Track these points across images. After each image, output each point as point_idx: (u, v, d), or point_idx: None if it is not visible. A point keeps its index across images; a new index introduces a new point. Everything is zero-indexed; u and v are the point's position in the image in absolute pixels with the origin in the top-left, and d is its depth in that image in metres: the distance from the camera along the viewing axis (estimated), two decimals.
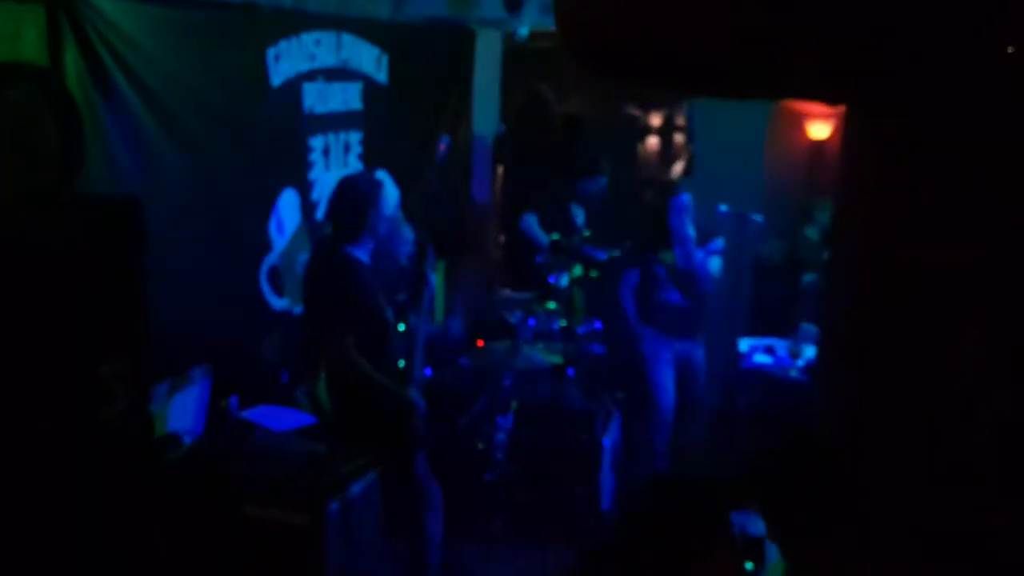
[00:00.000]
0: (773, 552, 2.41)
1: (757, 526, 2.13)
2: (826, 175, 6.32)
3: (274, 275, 4.59)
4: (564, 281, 5.87)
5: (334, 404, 4.09)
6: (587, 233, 6.10)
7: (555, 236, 6.05)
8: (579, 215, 6.28)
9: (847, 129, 1.43)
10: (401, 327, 4.35)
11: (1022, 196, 1.28)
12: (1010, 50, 1.14)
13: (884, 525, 1.44)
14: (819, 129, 6.60)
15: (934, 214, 1.30)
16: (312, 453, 3.86)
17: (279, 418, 4.13)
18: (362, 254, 3.91)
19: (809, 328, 5.42)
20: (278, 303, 4.64)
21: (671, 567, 1.80)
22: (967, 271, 1.29)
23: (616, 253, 6.25)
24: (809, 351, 5.31)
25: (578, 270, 5.92)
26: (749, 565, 2.77)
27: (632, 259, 5.55)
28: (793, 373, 5.27)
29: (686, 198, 5.30)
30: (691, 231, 5.24)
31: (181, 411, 4.02)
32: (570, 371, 5.21)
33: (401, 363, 4.17)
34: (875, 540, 1.44)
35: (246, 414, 4.14)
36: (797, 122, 6.65)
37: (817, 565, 1.74)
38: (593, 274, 5.98)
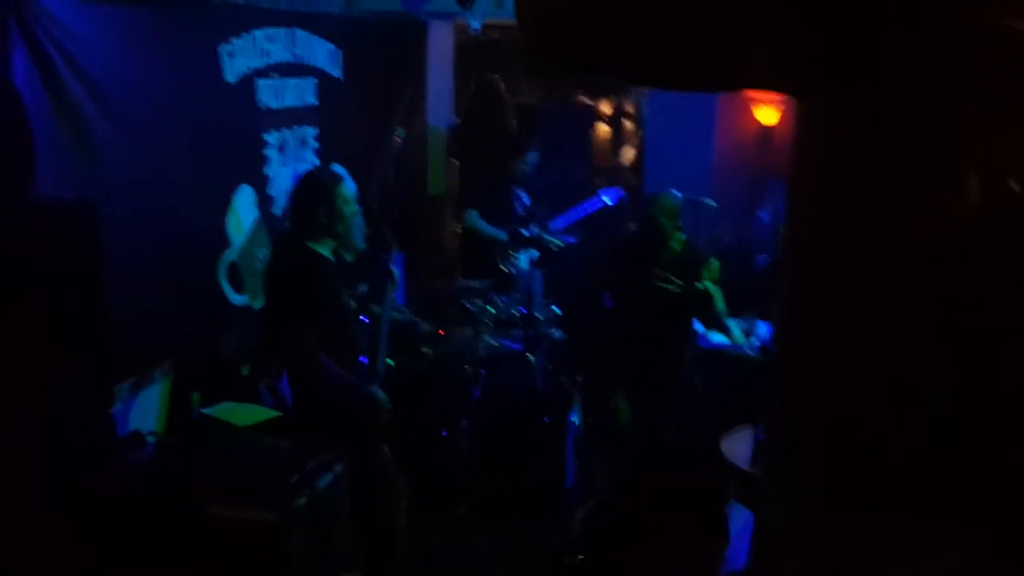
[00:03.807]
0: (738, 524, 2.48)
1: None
2: (776, 159, 6.44)
3: (233, 271, 4.58)
4: (523, 265, 5.92)
5: (297, 399, 4.10)
6: (536, 214, 6.15)
7: (504, 227, 6.08)
8: (524, 196, 6.33)
9: (799, 115, 1.48)
10: (365, 319, 4.37)
11: (977, 184, 1.33)
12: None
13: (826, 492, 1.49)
14: (767, 114, 6.72)
15: (891, 201, 1.35)
16: (277, 448, 3.87)
17: (242, 414, 4.13)
18: (324, 249, 3.92)
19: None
20: (238, 299, 4.63)
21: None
22: (920, 256, 1.34)
23: (571, 240, 6.31)
24: (763, 330, 5.42)
25: (535, 255, 5.99)
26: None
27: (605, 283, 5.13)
28: (749, 352, 5.38)
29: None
30: None
31: (144, 410, 4.01)
32: (531, 356, 5.28)
33: (364, 359, 4.19)
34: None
35: (208, 411, 4.14)
36: (746, 108, 6.77)
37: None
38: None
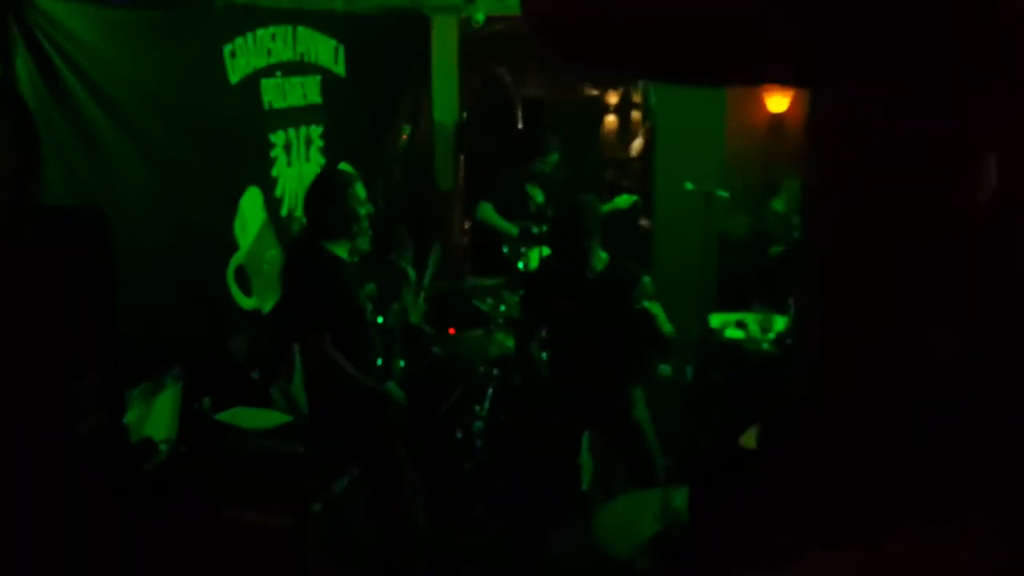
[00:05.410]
0: None
1: None
2: (787, 148, 6.37)
3: (241, 274, 4.55)
4: (532, 265, 5.86)
5: (312, 402, 4.07)
6: (550, 213, 6.04)
7: (516, 223, 6.01)
8: (537, 195, 6.26)
9: (812, 103, 1.43)
10: (379, 320, 4.33)
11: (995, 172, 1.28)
12: None
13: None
14: (777, 102, 6.64)
15: (909, 192, 1.30)
16: (292, 453, 3.84)
17: (254, 418, 4.10)
18: (340, 250, 3.88)
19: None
20: (247, 303, 4.60)
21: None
22: (939, 245, 1.29)
23: None
24: (779, 324, 5.36)
25: (545, 252, 5.92)
26: None
27: None
28: (764, 346, 5.32)
29: None
30: None
31: (156, 416, 3.98)
32: (544, 355, 5.22)
33: (379, 361, 4.14)
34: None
35: (220, 416, 4.11)
36: (755, 96, 6.69)
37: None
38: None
